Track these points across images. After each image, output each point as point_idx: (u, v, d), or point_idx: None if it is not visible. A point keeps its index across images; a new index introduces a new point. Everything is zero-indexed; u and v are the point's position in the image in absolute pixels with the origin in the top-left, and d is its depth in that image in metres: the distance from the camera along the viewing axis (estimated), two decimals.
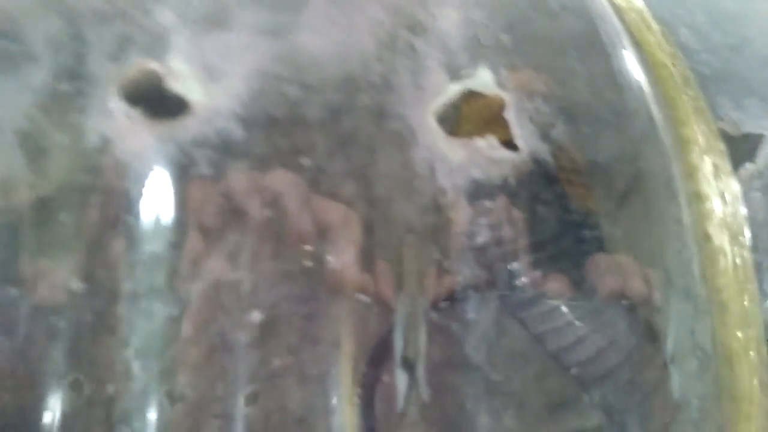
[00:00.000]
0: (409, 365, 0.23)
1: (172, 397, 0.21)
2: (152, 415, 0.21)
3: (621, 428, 0.24)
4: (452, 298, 0.24)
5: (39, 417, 0.20)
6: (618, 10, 0.33)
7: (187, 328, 0.21)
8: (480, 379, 0.23)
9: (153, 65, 0.23)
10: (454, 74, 0.26)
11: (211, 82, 0.23)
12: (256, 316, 0.21)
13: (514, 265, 0.24)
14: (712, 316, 0.26)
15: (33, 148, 0.21)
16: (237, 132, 0.23)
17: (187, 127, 0.22)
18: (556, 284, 0.24)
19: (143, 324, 0.21)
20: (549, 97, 0.26)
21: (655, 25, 0.33)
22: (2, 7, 0.22)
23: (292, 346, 0.22)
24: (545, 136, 0.25)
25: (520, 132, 0.25)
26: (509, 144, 0.25)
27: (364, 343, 0.23)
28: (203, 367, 0.21)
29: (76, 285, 0.20)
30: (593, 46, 0.28)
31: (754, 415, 0.25)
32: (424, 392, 0.23)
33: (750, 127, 0.30)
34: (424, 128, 0.25)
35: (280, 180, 0.23)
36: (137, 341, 0.20)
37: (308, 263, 0.23)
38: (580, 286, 0.24)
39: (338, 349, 0.22)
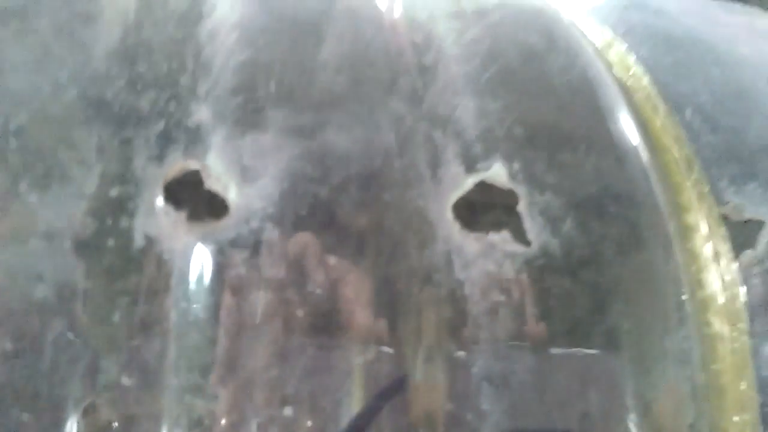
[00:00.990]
0: None
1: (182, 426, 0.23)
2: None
3: None
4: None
5: None
6: (626, 91, 0.35)
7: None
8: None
9: (193, 165, 0.25)
10: (470, 167, 0.28)
11: (246, 183, 0.25)
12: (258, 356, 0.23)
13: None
14: (710, 401, 0.28)
15: (87, 252, 0.22)
16: (270, 231, 0.24)
17: (225, 228, 0.24)
18: None
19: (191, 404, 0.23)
20: (559, 191, 0.28)
21: (661, 106, 0.35)
22: (54, 114, 0.24)
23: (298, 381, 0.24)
24: (555, 230, 0.27)
25: (531, 226, 0.27)
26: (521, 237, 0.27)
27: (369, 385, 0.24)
28: (212, 397, 0.23)
29: (127, 381, 0.22)
30: (603, 138, 0.30)
31: None
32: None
33: (751, 212, 0.31)
34: (442, 221, 0.27)
35: (301, 241, 0.25)
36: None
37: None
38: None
39: (349, 384, 0.24)
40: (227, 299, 0.24)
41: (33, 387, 0.22)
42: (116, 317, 0.23)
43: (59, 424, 0.21)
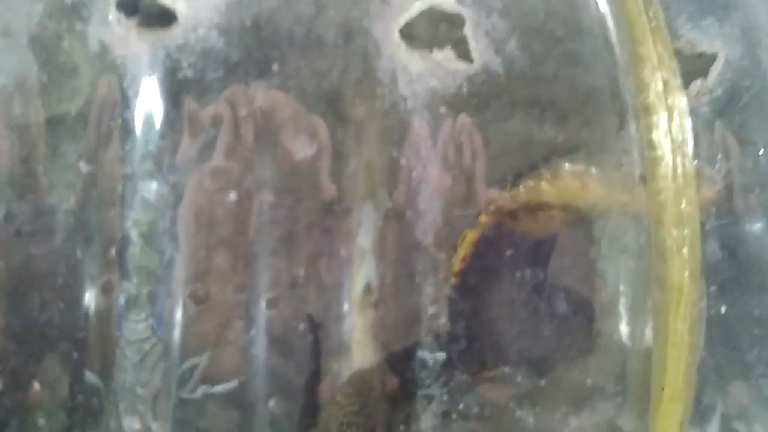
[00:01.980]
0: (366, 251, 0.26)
1: (196, 299, 0.25)
2: (178, 315, 0.25)
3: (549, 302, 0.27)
4: (410, 195, 0.27)
5: (75, 315, 0.24)
6: None
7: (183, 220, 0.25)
8: (428, 261, 0.26)
9: None
10: None
11: None
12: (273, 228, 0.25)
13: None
14: (650, 215, 0.29)
15: (43, 51, 0.24)
16: (215, 40, 0.26)
17: (173, 36, 0.26)
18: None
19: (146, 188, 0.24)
20: (505, 13, 0.28)
21: None
22: None
23: (310, 256, 0.26)
24: (499, 50, 0.28)
25: (475, 45, 0.28)
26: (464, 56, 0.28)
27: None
28: (227, 273, 0.25)
29: (84, 167, 0.24)
30: None
31: (683, 302, 0.28)
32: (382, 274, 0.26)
33: (705, 46, 0.32)
34: (388, 42, 0.28)
35: (273, 98, 0.26)
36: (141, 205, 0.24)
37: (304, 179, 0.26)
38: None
39: (351, 261, 0.26)
40: (176, 99, 0.25)
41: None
42: (72, 112, 0.24)
43: None
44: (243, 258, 0.25)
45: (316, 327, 0.26)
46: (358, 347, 0.26)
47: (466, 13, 0.28)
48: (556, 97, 0.28)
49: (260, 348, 0.25)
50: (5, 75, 0.24)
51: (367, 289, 0.26)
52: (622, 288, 0.28)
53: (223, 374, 0.25)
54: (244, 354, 0.25)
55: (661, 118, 0.30)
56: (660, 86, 0.30)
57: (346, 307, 0.26)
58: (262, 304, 0.25)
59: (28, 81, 0.24)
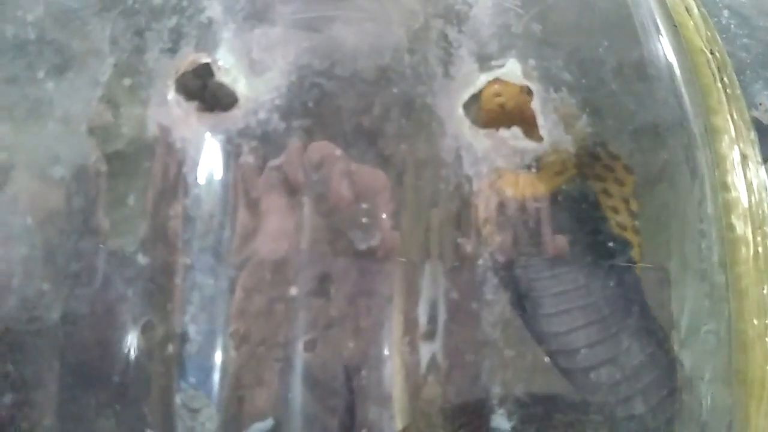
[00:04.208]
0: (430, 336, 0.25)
1: (236, 340, 0.24)
2: (218, 356, 0.24)
3: (625, 403, 0.25)
4: (473, 281, 0.25)
5: (116, 354, 0.23)
6: None
7: (239, 293, 0.24)
8: (495, 354, 0.25)
9: (204, 59, 0.26)
10: (484, 64, 0.28)
11: (255, 76, 0.25)
12: (311, 273, 0.24)
13: (533, 251, 0.26)
14: (729, 303, 0.27)
15: (102, 138, 0.23)
16: (276, 122, 0.25)
17: (234, 119, 0.25)
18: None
19: (204, 283, 0.24)
20: (575, 88, 0.27)
21: (695, 8, 0.33)
22: (70, 6, 0.25)
23: (348, 297, 0.24)
24: (569, 127, 0.26)
25: (544, 123, 0.26)
26: (533, 134, 0.27)
27: (413, 298, 0.25)
28: (265, 314, 0.24)
29: (142, 260, 0.23)
30: (626, 34, 0.29)
31: (765, 398, 0.26)
32: (443, 362, 0.25)
33: None
34: (452, 118, 0.27)
35: (321, 148, 0.25)
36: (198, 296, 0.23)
37: (356, 224, 0.25)
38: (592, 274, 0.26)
39: (391, 303, 0.25)
40: (236, 186, 0.24)
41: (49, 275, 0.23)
42: (131, 200, 0.24)
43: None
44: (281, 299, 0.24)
45: (352, 371, 0.25)
46: (401, 396, 0.25)
47: (533, 86, 0.27)
48: (633, 176, 0.27)
49: (296, 390, 0.24)
50: (64, 166, 0.23)
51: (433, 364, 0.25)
52: (699, 380, 0.27)
53: (258, 414, 0.24)
54: (280, 396, 0.24)
55: (740, 195, 0.28)
56: (738, 160, 0.29)
57: (386, 351, 0.25)
58: (299, 346, 0.24)
59: (88, 171, 0.23)
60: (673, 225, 0.27)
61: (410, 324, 0.25)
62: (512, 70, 0.28)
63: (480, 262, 0.25)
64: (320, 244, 0.24)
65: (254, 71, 0.25)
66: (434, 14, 0.28)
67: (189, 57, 0.26)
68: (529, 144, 0.26)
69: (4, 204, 0.23)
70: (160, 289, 0.24)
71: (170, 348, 0.23)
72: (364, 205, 0.25)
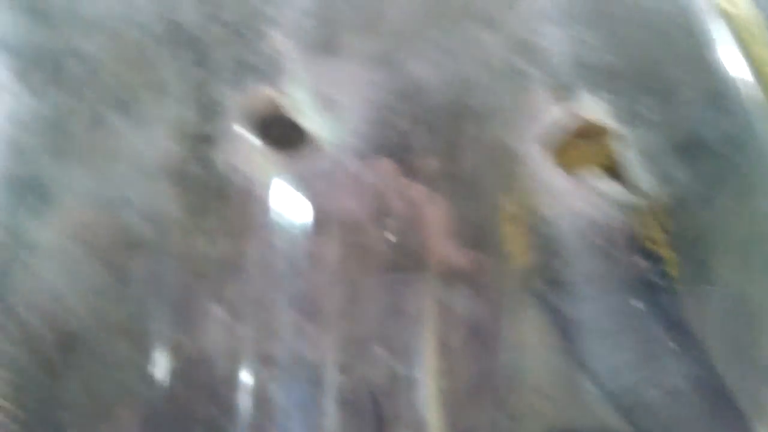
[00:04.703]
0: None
1: (264, 361, 0.22)
2: (246, 377, 0.22)
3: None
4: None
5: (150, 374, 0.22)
6: (728, 19, 0.32)
7: None
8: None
9: (272, 94, 0.24)
10: (560, 99, 0.26)
11: (326, 112, 0.24)
12: (339, 289, 0.23)
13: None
14: None
15: (172, 178, 0.22)
16: (350, 163, 0.24)
17: (306, 159, 0.24)
18: None
19: None
20: (655, 126, 0.26)
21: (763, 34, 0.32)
22: (134, 38, 0.24)
23: (376, 316, 0.23)
24: (650, 167, 0.25)
25: (627, 164, 0.25)
26: (612, 174, 0.25)
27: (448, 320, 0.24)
28: (293, 333, 0.23)
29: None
30: (704, 69, 0.28)
31: None
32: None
33: None
34: (528, 157, 0.25)
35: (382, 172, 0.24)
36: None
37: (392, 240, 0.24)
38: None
39: (421, 323, 0.24)
40: (309, 228, 0.23)
41: (122, 318, 0.22)
42: (200, 245, 0.23)
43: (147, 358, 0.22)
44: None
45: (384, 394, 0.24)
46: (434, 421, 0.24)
47: (610, 123, 0.26)
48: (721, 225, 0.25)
49: (329, 413, 0.23)
50: (141, 215, 0.22)
51: None
52: None
53: None
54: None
55: None
56: None
57: (417, 375, 0.24)
58: (331, 367, 0.23)
59: (166, 218, 0.22)
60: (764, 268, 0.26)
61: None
62: (588, 105, 0.26)
63: (519, 286, 0.24)
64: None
65: (325, 108, 0.24)
66: (506, 46, 0.27)
67: (256, 91, 0.24)
68: (611, 187, 0.25)
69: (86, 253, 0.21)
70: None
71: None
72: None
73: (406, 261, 0.23)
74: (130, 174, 0.22)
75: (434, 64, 0.25)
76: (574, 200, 0.25)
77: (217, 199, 0.23)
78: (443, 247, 0.23)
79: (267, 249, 0.23)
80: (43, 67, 0.23)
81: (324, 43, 0.25)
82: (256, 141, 0.24)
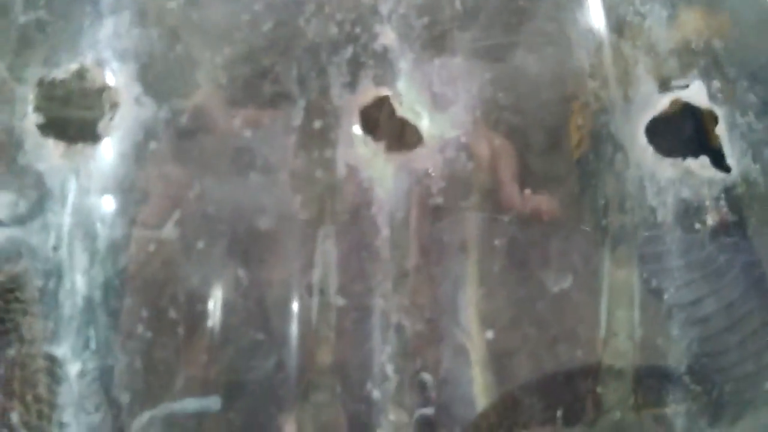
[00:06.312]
0: None
1: (311, 291, 0.24)
2: (295, 306, 0.24)
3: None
4: None
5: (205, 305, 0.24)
6: None
7: None
8: None
9: (384, 91, 0.25)
10: (664, 84, 0.27)
11: (437, 111, 0.25)
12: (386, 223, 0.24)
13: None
14: None
15: (301, 185, 0.24)
16: (463, 161, 0.25)
17: (420, 158, 0.24)
18: None
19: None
20: (763, 113, 0.26)
21: None
22: (258, 44, 0.24)
23: (421, 248, 0.25)
24: (758, 155, 0.26)
25: (731, 150, 0.26)
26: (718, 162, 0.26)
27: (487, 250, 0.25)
28: (342, 265, 0.24)
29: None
30: None
31: None
32: None
33: None
34: (634, 146, 0.26)
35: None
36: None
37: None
38: None
39: (463, 253, 0.25)
40: (423, 226, 0.24)
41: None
42: (325, 245, 0.24)
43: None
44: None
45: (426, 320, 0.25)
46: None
47: (719, 111, 0.26)
48: None
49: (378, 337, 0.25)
50: (269, 218, 0.23)
51: None
52: None
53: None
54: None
55: None
56: None
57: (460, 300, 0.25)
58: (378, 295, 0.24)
59: (292, 221, 0.23)
60: None
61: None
62: (696, 91, 0.26)
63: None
64: None
65: (437, 106, 0.25)
66: (608, 28, 0.27)
67: (369, 91, 0.25)
68: (717, 174, 0.25)
69: (215, 255, 0.23)
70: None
71: None
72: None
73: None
74: (258, 179, 0.23)
75: (543, 55, 0.26)
76: (680, 189, 0.25)
77: (340, 200, 0.24)
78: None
79: (383, 245, 0.24)
80: (168, 77, 0.24)
81: (434, 41, 0.26)
82: (373, 142, 0.25)
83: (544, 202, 0.25)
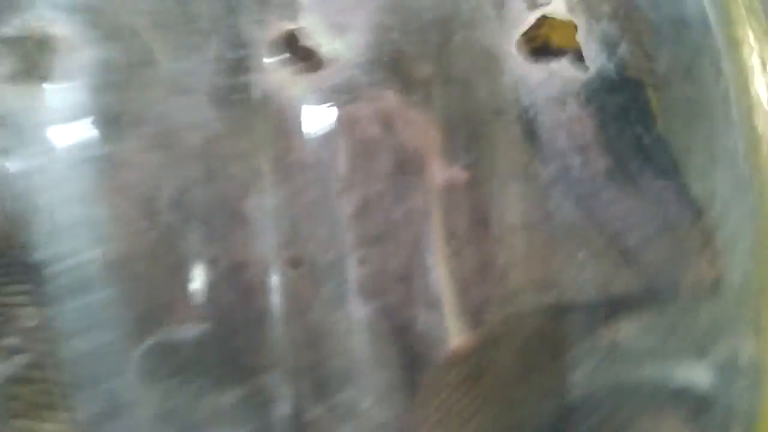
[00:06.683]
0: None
1: (293, 264, 0.28)
2: (276, 279, 0.28)
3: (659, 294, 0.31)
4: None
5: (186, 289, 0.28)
6: None
7: None
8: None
9: (290, 25, 0.29)
10: (532, 3, 0.31)
11: (337, 37, 0.29)
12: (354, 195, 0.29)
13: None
14: (753, 193, 0.32)
15: (218, 105, 0.28)
16: (361, 78, 0.29)
17: (324, 78, 0.29)
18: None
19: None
20: (614, 18, 0.31)
21: None
22: None
23: (387, 217, 0.29)
24: (611, 55, 0.30)
25: (588, 53, 0.30)
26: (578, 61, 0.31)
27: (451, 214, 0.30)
28: (316, 236, 0.28)
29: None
30: None
31: None
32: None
33: None
34: (507, 56, 0.31)
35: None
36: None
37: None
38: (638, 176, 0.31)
39: (428, 218, 0.29)
40: (337, 135, 0.29)
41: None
42: (252, 160, 0.28)
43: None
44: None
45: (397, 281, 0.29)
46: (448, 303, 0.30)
47: (577, 20, 0.31)
48: (669, 92, 0.31)
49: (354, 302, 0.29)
50: (186, 129, 0.27)
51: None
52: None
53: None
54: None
55: (760, 98, 0.32)
56: (759, 68, 0.33)
57: (429, 261, 0.30)
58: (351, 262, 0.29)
59: (210, 134, 0.27)
60: (701, 123, 0.31)
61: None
62: (557, 6, 0.31)
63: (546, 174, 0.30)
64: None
65: (336, 33, 0.29)
66: None
67: (276, 25, 0.29)
68: (577, 73, 0.30)
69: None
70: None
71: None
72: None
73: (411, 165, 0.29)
74: (178, 99, 0.28)
75: None
76: (548, 88, 0.30)
77: (258, 118, 0.29)
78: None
79: (298, 157, 0.29)
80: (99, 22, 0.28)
81: None
82: (281, 68, 0.29)
83: None
